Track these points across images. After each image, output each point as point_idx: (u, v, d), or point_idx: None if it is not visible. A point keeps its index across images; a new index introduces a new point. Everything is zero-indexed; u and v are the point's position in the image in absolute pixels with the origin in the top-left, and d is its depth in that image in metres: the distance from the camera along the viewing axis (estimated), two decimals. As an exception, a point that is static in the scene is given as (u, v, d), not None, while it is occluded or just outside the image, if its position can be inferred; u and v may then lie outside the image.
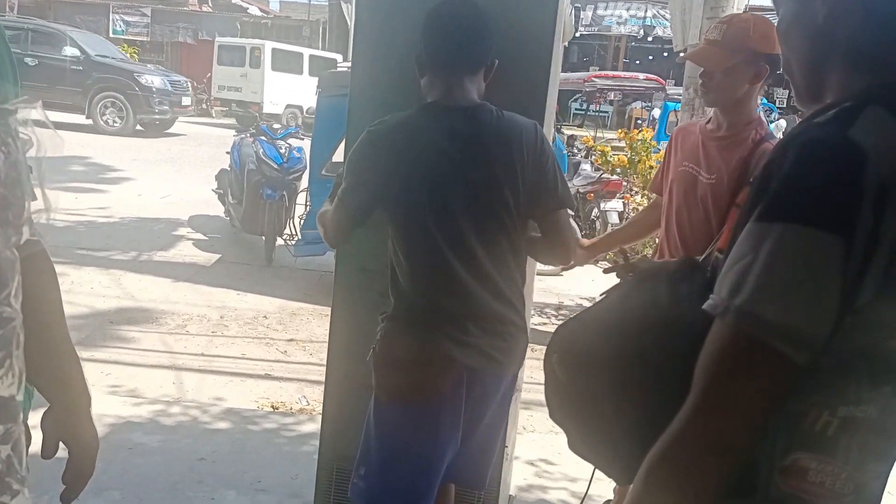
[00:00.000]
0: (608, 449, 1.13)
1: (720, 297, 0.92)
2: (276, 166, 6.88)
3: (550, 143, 2.10)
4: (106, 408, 3.54)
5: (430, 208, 1.92)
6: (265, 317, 5.57)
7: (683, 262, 1.18)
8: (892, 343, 0.92)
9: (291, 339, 5.17)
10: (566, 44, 2.71)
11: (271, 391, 4.30)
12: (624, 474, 1.10)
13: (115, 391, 3.98)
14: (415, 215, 1.93)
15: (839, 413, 0.94)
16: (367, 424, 2.03)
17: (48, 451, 1.36)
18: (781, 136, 1.18)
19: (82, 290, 5.69)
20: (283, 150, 7.03)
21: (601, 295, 1.23)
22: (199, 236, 7.76)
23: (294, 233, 6.94)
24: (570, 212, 2.04)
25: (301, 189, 7.02)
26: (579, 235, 2.15)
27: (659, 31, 25.88)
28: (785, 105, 22.64)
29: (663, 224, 2.65)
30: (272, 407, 4.08)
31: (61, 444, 1.37)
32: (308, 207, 6.53)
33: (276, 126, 7.33)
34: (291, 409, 4.09)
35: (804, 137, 0.93)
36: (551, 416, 1.22)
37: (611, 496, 2.95)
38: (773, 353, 0.87)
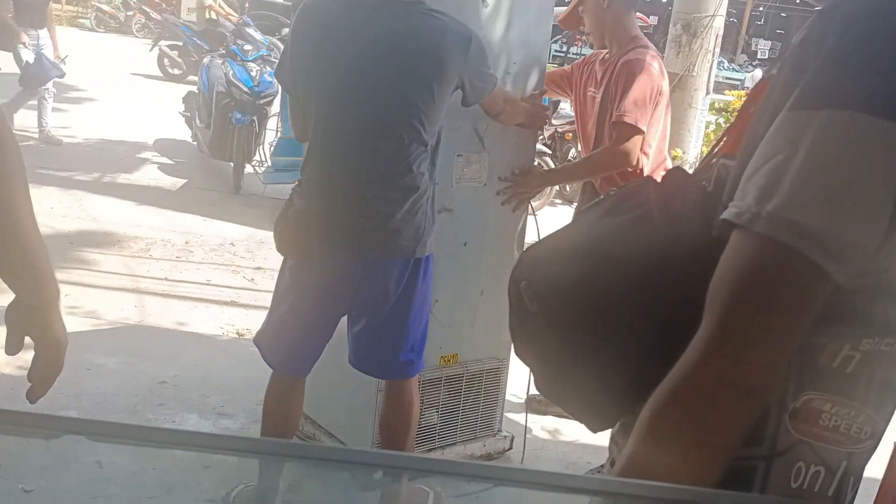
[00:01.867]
0: (582, 390, 0.95)
1: (745, 204, 0.74)
2: (246, 89, 6.62)
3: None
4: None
5: (346, 91, 2.09)
6: (232, 244, 5.44)
7: (673, 176, 0.99)
8: None
9: (259, 268, 5.05)
10: None
11: (237, 318, 4.20)
12: (597, 420, 0.98)
13: (73, 311, 3.85)
14: (331, 95, 2.11)
15: (862, 347, 0.79)
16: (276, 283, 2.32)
17: (12, 346, 1.24)
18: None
19: (42, 209, 5.47)
20: (254, 73, 6.76)
21: (575, 215, 1.04)
22: (165, 160, 7.53)
23: (264, 159, 6.74)
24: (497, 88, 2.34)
25: (272, 114, 6.78)
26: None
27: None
28: (766, 56, 22.54)
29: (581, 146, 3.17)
30: (237, 334, 3.99)
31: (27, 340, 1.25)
32: (279, 133, 6.32)
33: (248, 47, 7.03)
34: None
35: (851, 5, 0.74)
36: (516, 351, 1.05)
37: (598, 461, 2.92)
38: (813, 269, 0.71)
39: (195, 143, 7.42)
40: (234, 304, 4.40)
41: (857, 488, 0.86)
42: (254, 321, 4.16)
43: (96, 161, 7.04)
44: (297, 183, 2.25)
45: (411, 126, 2.13)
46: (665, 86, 2.83)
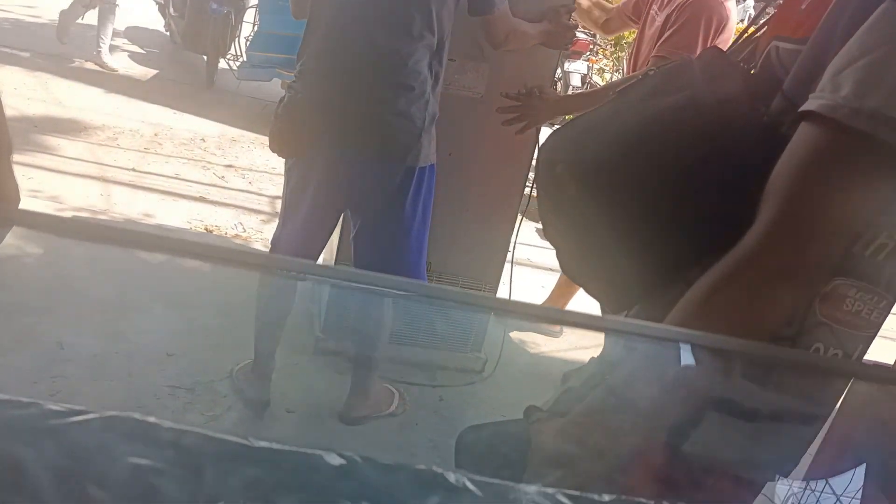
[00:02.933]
0: (610, 272, 0.96)
1: (841, 98, 0.71)
2: (223, -22, 6.34)
3: None
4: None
5: None
6: (203, 139, 5.29)
7: (712, 57, 0.95)
8: None
9: (230, 166, 4.94)
10: None
11: (205, 214, 4.12)
12: (618, 302, 0.99)
13: (36, 195, 3.74)
14: None
15: None
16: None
17: None
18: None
19: (5, 89, 5.25)
20: (232, -38, 6.47)
21: (613, 95, 0.99)
22: (136, 49, 7.24)
23: (239, 54, 6.51)
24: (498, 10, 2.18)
25: (250, 5, 6.52)
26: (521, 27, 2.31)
27: None
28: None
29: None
30: (206, 229, 3.92)
31: None
32: (256, 27, 6.08)
33: (227, -67, 6.68)
34: (226, 233, 3.94)
35: None
36: (545, 233, 1.06)
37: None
38: None
39: (168, 32, 7.14)
40: (202, 199, 4.31)
41: None
42: (223, 218, 4.10)
43: (64, 44, 6.74)
44: (293, 76, 2.22)
45: (416, 19, 2.05)
46: (727, 36, 2.54)
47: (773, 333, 0.81)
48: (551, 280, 4.04)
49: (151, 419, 0.74)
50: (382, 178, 2.19)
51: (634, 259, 0.89)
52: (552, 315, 0.77)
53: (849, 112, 0.71)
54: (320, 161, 2.18)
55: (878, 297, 0.85)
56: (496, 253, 2.90)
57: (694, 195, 0.83)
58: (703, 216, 0.82)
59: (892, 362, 2.18)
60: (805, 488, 1.12)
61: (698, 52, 2.39)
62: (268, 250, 2.41)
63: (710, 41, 2.50)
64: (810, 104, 0.74)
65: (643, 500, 0.66)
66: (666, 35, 2.54)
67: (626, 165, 0.88)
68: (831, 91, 0.73)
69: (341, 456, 0.73)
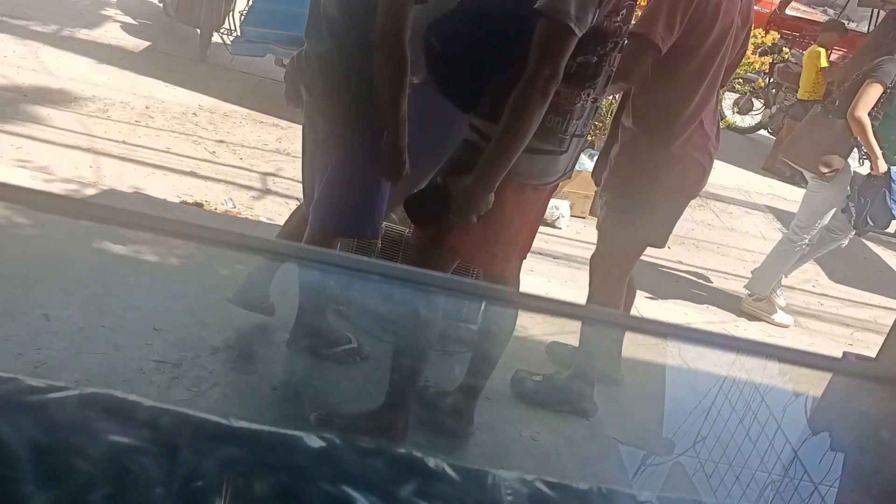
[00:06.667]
0: (461, 77, 2.02)
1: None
2: (219, -49, 6.26)
3: None
4: (13, 180, 3.31)
5: None
6: (195, 114, 5.25)
7: None
8: None
9: (221, 141, 4.91)
10: None
11: (196, 189, 4.10)
12: (468, 101, 2.02)
13: (24, 165, 3.71)
14: None
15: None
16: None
17: None
18: None
19: (-6, 57, 5.21)
20: (228, -67, 6.38)
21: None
22: (129, 20, 7.16)
23: (233, 28, 6.44)
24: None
25: (245, -19, 6.46)
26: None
27: None
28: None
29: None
30: (196, 204, 3.90)
31: None
32: (251, 2, 6.02)
33: None
34: (216, 209, 3.92)
35: None
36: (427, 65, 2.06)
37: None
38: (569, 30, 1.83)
39: (161, 4, 7.03)
40: (193, 174, 4.28)
41: None
42: (214, 193, 4.08)
43: (55, 13, 6.66)
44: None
45: None
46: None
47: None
48: (538, 265, 4.05)
49: (132, 397, 0.74)
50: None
51: (485, 68, 1.95)
52: (534, 303, 0.78)
53: (544, 7, 1.77)
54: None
55: (574, 91, 1.93)
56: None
57: (500, 42, 1.91)
58: (512, 50, 1.85)
59: (873, 355, 2.19)
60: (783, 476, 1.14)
61: (660, 23, 2.24)
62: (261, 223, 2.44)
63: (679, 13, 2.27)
64: (538, 4, 1.79)
65: (620, 489, 0.67)
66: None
67: (468, 30, 1.96)
68: None
69: (322, 438, 0.74)
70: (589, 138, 5.89)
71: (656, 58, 2.28)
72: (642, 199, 2.48)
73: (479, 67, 1.97)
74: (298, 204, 2.78)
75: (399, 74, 2.17)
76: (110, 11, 7.27)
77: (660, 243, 2.63)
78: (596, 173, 2.71)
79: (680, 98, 2.39)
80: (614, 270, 2.62)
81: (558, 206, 4.75)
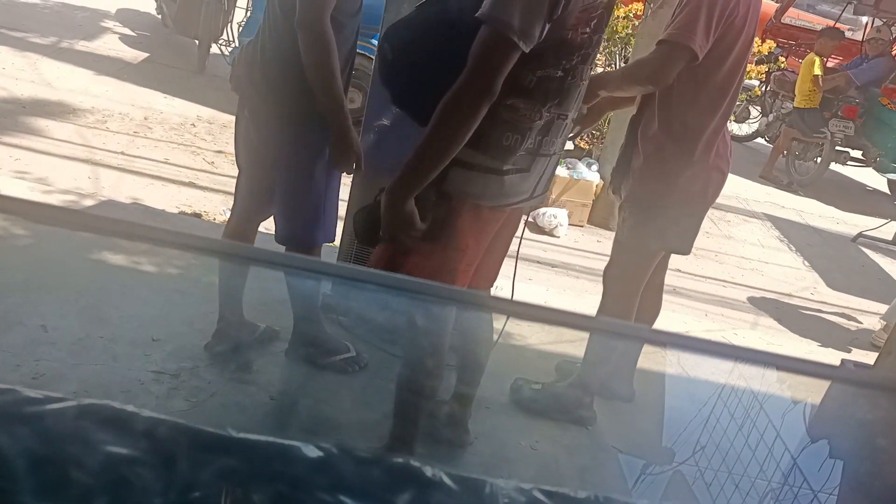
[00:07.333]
0: (418, 85, 1.86)
1: (484, 8, 1.67)
2: (216, -37, 6.29)
3: None
4: (11, 192, 3.31)
5: None
6: (193, 125, 5.26)
7: None
8: None
9: (220, 151, 4.92)
10: None
11: (194, 200, 4.11)
12: (424, 112, 1.77)
13: (23, 176, 3.72)
14: None
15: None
16: None
17: None
18: None
19: (-7, 69, 5.22)
20: (226, -55, 6.41)
21: (416, 6, 1.87)
22: (127, 31, 7.18)
23: (231, 39, 6.46)
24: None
25: (243, -9, 6.48)
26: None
27: None
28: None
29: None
30: (195, 214, 3.91)
31: None
32: (249, 13, 6.04)
33: (220, -84, 6.62)
34: (215, 219, 3.93)
35: None
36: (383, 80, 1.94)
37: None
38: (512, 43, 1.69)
39: (160, 16, 7.07)
40: (192, 185, 4.29)
41: None
42: (212, 203, 4.08)
43: (54, 25, 6.69)
44: None
45: None
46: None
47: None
48: (536, 274, 4.05)
49: (130, 407, 0.74)
50: None
51: (440, 80, 1.71)
52: (539, 314, 0.78)
53: (484, 16, 1.65)
54: None
55: (535, 107, 1.80)
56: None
57: (447, 47, 1.73)
58: (447, 58, 1.71)
59: (871, 363, 2.20)
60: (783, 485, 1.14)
61: (698, 31, 2.24)
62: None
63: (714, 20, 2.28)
64: (479, 12, 1.65)
65: (620, 498, 0.67)
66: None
67: (418, 38, 1.84)
68: (484, 5, 1.66)
69: (319, 448, 0.74)
70: (585, 146, 5.91)
71: (692, 65, 2.28)
72: (670, 208, 2.48)
73: (433, 79, 1.75)
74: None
75: (325, 56, 2.10)
76: (109, 23, 7.29)
77: (686, 250, 2.65)
78: (615, 184, 2.67)
79: (709, 106, 2.40)
80: (632, 281, 2.61)
81: (556, 215, 4.76)
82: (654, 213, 2.50)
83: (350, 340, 2.75)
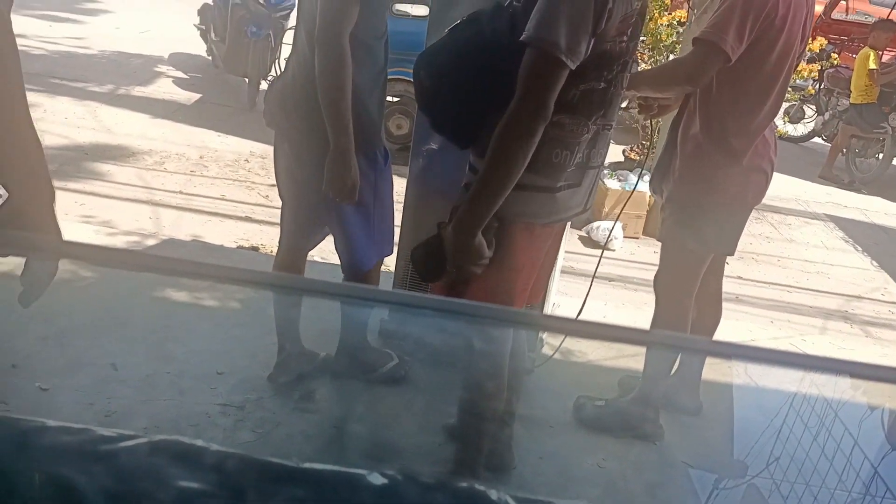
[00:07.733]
0: (454, 114, 1.88)
1: (529, 30, 1.68)
2: (262, 2, 6.44)
3: None
4: (78, 236, 3.43)
5: None
6: (246, 160, 5.39)
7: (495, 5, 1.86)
8: None
9: (274, 185, 5.00)
10: None
11: (252, 233, 4.20)
12: (463, 136, 1.88)
13: (88, 221, 3.85)
14: None
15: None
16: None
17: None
18: None
19: (56, 119, 5.44)
20: (270, -15, 6.57)
21: (448, 30, 1.88)
22: (180, 74, 7.42)
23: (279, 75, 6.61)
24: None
25: (289, 27, 6.63)
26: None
27: None
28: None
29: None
30: (252, 248, 3.99)
31: None
32: (295, 49, 6.19)
33: (264, -42, 6.81)
34: (272, 252, 4.00)
35: None
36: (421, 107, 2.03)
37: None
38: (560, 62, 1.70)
39: (210, 57, 7.29)
40: (248, 219, 4.39)
41: None
42: (268, 236, 4.16)
43: (111, 73, 6.95)
44: None
45: None
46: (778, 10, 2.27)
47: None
48: (593, 289, 4.01)
49: (199, 442, 0.75)
50: None
51: (478, 103, 1.80)
52: (597, 331, 0.78)
53: (530, 38, 1.66)
54: None
55: (581, 121, 1.79)
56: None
57: (486, 73, 1.79)
58: (486, 87, 1.77)
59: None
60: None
61: (731, 32, 2.21)
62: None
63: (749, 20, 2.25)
64: (524, 36, 1.66)
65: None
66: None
67: (454, 66, 1.84)
68: (529, 27, 1.66)
69: (383, 475, 0.74)
70: (635, 157, 5.84)
71: (725, 66, 2.25)
72: (710, 208, 2.46)
73: (471, 102, 1.81)
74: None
75: (338, 73, 2.06)
76: (162, 67, 7.54)
77: (730, 251, 2.60)
78: (654, 186, 2.67)
79: (749, 108, 2.37)
80: (682, 285, 2.57)
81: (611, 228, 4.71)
82: (694, 213, 2.47)
83: (408, 363, 2.76)
